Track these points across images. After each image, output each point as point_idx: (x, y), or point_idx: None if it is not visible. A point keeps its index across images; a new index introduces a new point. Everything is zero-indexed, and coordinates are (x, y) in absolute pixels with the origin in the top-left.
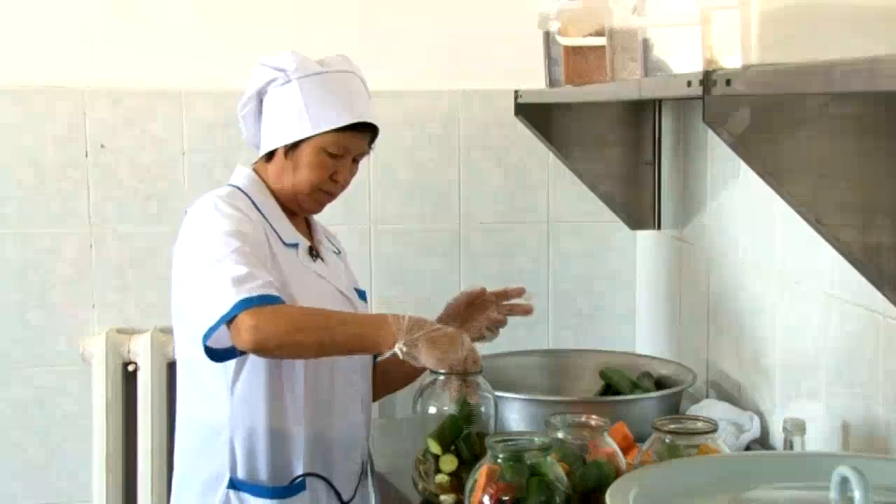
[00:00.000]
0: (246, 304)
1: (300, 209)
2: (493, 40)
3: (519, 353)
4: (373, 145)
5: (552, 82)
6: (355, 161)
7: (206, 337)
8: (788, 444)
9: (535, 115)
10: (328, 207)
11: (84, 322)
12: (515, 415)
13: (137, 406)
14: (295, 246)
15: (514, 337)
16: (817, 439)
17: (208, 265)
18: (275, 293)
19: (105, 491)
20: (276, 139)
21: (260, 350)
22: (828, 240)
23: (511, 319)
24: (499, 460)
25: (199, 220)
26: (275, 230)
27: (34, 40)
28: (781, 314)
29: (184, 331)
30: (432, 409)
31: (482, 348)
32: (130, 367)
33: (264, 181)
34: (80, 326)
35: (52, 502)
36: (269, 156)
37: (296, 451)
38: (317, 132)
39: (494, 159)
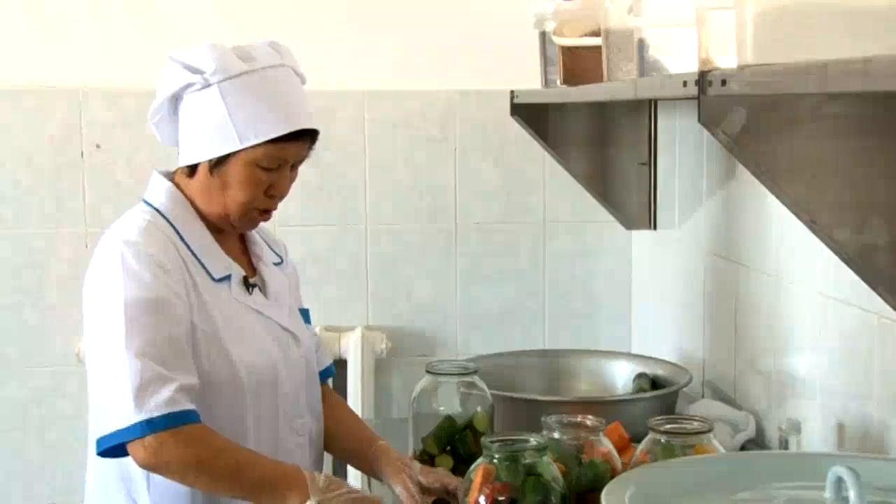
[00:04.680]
0: (148, 427)
1: (232, 229)
2: (489, 41)
3: (515, 354)
4: (313, 147)
5: (548, 82)
6: (293, 168)
7: (101, 444)
8: (784, 444)
9: (532, 115)
10: (320, 208)
11: (79, 322)
12: (511, 415)
13: None
14: (227, 279)
15: (509, 337)
16: (813, 439)
17: (110, 353)
18: (181, 406)
19: None
20: (196, 153)
21: (152, 472)
22: (823, 240)
23: (509, 318)
24: (495, 460)
25: (104, 276)
26: (202, 265)
27: (30, 41)
28: (777, 314)
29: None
30: (428, 410)
31: (481, 347)
32: None
33: (188, 197)
34: (75, 326)
35: (48, 502)
36: (192, 169)
37: None
38: (245, 146)
39: (491, 159)
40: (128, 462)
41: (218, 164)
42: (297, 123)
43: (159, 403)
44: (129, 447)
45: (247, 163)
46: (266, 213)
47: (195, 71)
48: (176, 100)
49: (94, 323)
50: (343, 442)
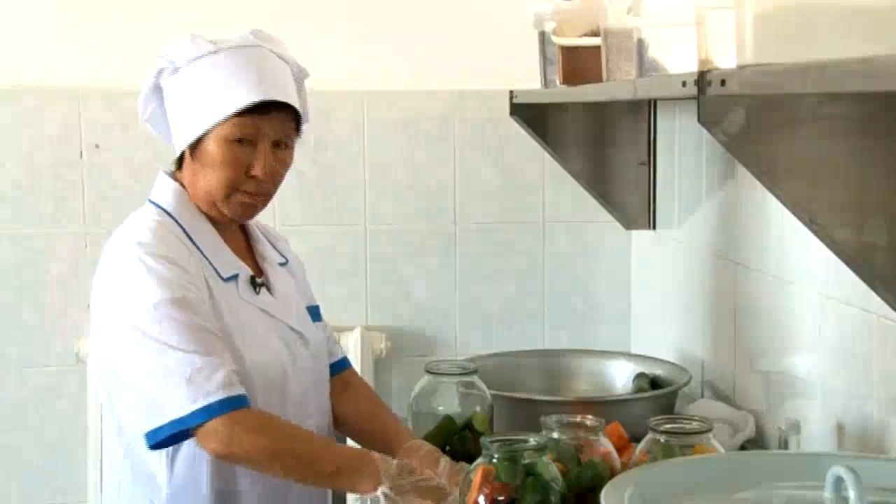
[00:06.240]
0: (207, 414)
1: (224, 219)
2: (488, 40)
3: (514, 353)
4: (301, 129)
5: (547, 82)
6: (278, 146)
7: (152, 436)
8: (783, 444)
9: (531, 115)
10: (319, 207)
11: (79, 322)
12: (510, 415)
13: None
14: (234, 278)
15: (508, 337)
16: (812, 439)
17: (148, 353)
18: (237, 391)
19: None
20: (178, 141)
21: (225, 460)
22: (822, 239)
23: (508, 318)
24: (494, 460)
25: (125, 280)
26: (211, 264)
27: (28, 40)
28: (776, 314)
29: (118, 398)
30: (427, 410)
31: (480, 347)
32: None
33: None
34: (75, 326)
35: (47, 503)
36: (181, 161)
37: None
38: (214, 122)
39: (489, 159)
40: (145, 457)
41: (196, 146)
42: (265, 94)
43: (215, 387)
44: (199, 438)
45: (219, 139)
46: (253, 196)
47: (168, 59)
48: (159, 91)
49: (120, 327)
50: (373, 434)
